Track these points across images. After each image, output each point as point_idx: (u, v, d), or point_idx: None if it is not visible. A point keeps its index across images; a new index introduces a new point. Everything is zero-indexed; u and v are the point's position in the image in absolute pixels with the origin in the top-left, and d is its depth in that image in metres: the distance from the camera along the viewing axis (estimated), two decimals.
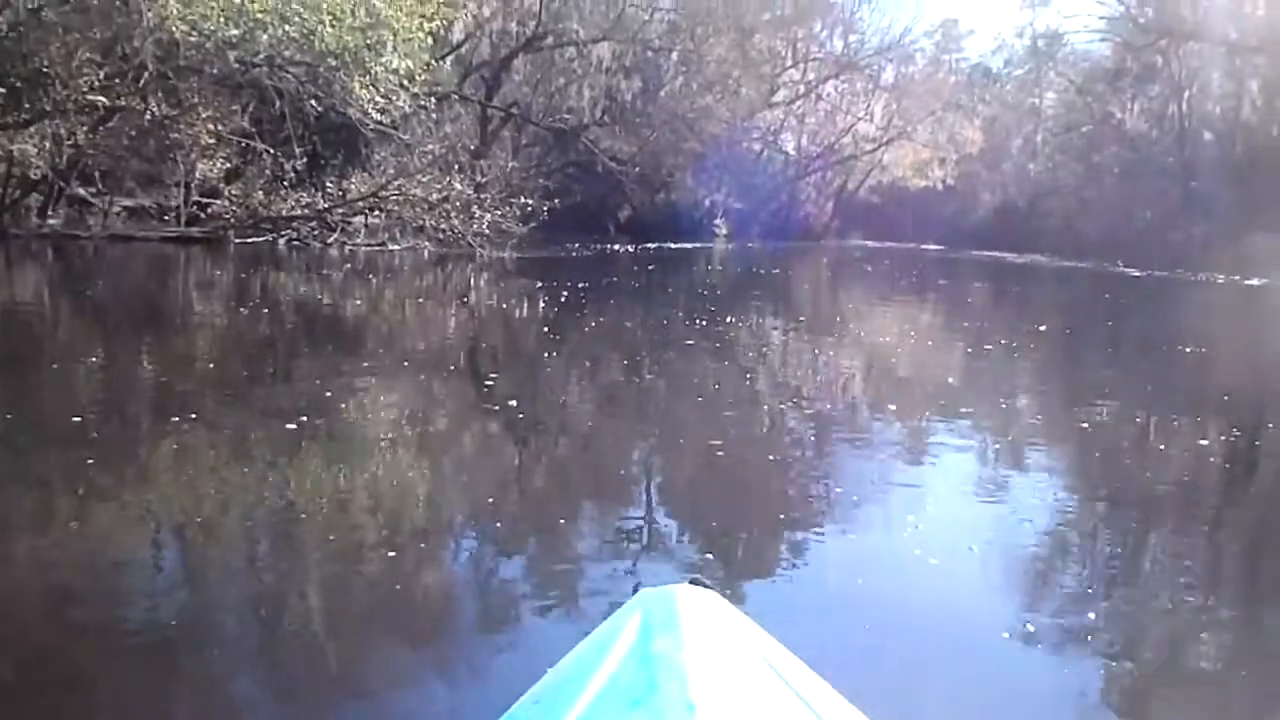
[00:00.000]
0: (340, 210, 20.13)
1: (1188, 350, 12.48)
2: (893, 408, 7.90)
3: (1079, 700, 3.13)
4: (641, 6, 32.82)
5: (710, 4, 36.77)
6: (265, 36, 17.06)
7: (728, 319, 13.33)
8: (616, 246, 28.23)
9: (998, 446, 6.67)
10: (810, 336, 13.00)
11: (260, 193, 20.18)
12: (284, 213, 20.07)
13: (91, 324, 10.78)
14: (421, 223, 19.67)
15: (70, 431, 5.46)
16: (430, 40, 19.37)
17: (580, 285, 16.41)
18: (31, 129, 17.68)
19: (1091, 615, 3.74)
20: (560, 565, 4.07)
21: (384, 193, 20.02)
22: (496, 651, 3.28)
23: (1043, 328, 14.77)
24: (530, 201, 20.95)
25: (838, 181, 50.10)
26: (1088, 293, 24.01)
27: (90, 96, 16.61)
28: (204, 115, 18.64)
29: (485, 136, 29.20)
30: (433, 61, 22.25)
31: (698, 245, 34.12)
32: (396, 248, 19.87)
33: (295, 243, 19.94)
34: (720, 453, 5.78)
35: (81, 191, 19.20)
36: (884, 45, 44.51)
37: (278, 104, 17.79)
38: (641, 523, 4.72)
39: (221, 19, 16.57)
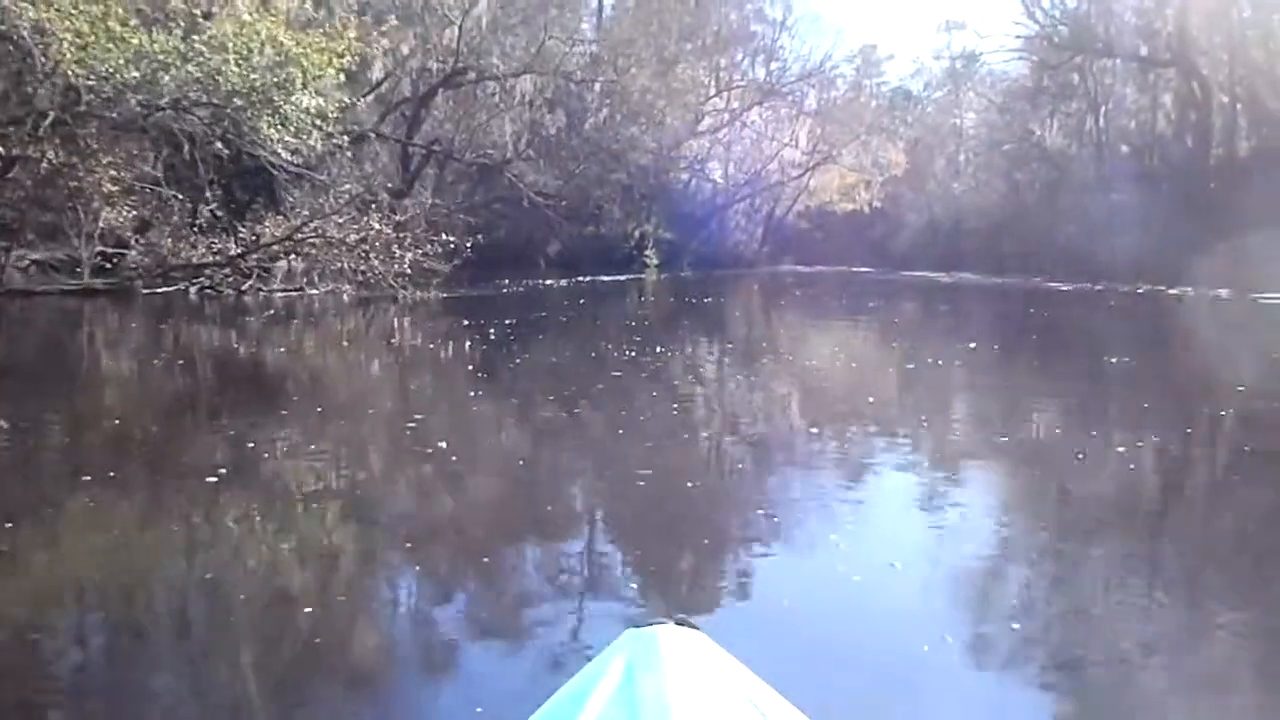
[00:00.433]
0: (254, 255, 19.82)
1: (1113, 361, 12.91)
2: (822, 430, 8.05)
3: (997, 710, 3.24)
4: (562, 39, 33.17)
5: (631, 34, 37.35)
6: (168, 78, 16.82)
7: (658, 349, 13.45)
8: (547, 281, 28.32)
9: (925, 465, 6.82)
10: (741, 363, 13.18)
11: (169, 240, 19.77)
12: (195, 260, 19.67)
13: None
14: (340, 265, 19.49)
15: None
16: (343, 77, 19.25)
17: (508, 322, 16.44)
18: None
19: (1015, 626, 3.88)
20: (498, 606, 4.08)
21: (299, 235, 19.74)
22: (437, 698, 3.28)
23: (972, 345, 15.15)
24: (453, 239, 20.82)
25: (766, 208, 51.00)
26: (1015, 309, 24.70)
27: None
28: (105, 161, 18.26)
29: (407, 175, 29.13)
30: (349, 100, 22.14)
31: (629, 277, 34.37)
32: (315, 292, 19.62)
33: (208, 291, 19.55)
34: (646, 483, 5.83)
35: None
36: (805, 72, 45.62)
37: (186, 148, 17.56)
38: (576, 557, 4.75)
39: (121, 61, 16.28)
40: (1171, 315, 22.77)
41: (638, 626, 1.66)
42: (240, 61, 16.81)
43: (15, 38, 15.84)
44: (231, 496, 5.49)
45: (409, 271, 19.66)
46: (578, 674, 1.62)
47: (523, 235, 34.32)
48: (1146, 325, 20.65)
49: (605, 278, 31.56)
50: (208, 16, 18.50)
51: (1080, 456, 7.06)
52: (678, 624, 1.69)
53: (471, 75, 30.10)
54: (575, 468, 6.74)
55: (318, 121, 17.82)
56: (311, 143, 17.95)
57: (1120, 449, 7.28)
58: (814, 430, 8.04)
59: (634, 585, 4.32)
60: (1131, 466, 6.77)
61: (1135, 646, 3.80)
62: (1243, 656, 3.75)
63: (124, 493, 5.56)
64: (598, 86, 35.27)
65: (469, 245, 21.29)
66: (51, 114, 16.31)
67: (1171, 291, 27.96)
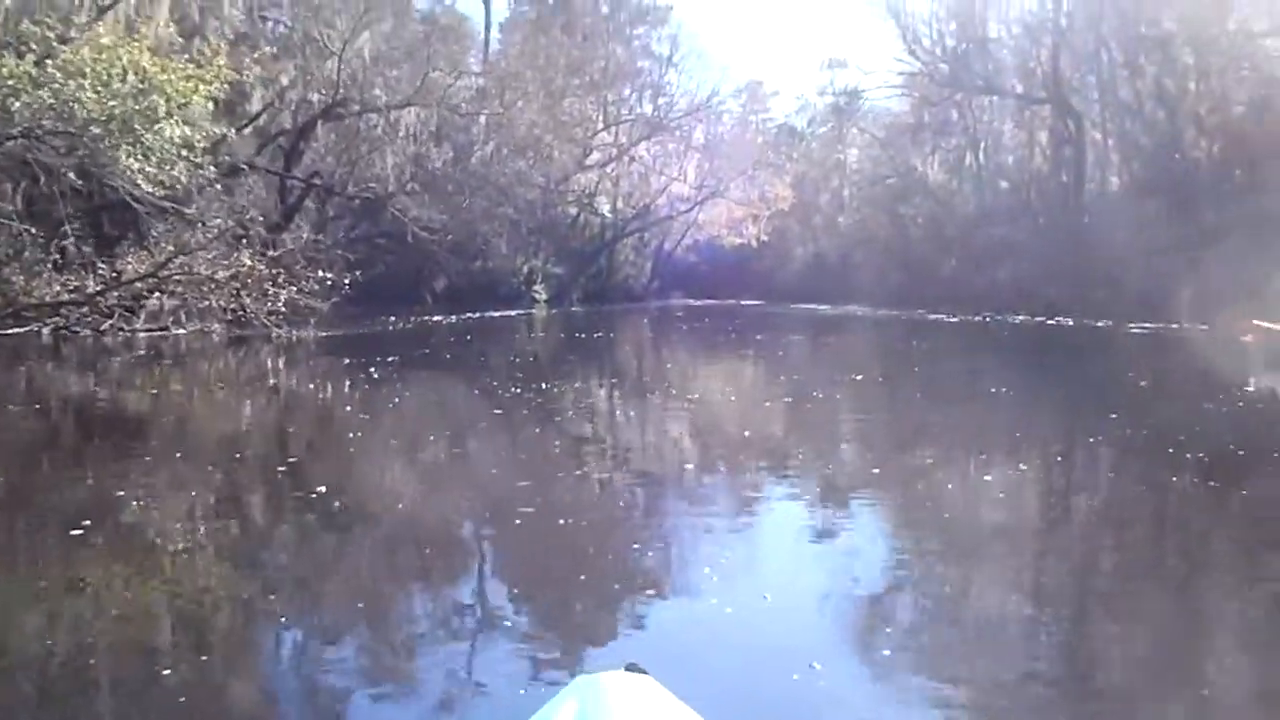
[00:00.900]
0: (116, 293, 18.84)
1: (993, 391, 13.43)
2: (703, 466, 8.19)
3: None
4: (447, 72, 33.11)
5: (518, 68, 37.52)
6: (19, 105, 16.07)
7: (544, 386, 13.42)
8: (434, 317, 28.03)
9: (802, 497, 6.96)
10: (627, 398, 13.26)
11: (21, 278, 18.54)
12: (49, 299, 18.55)
13: None
14: (209, 303, 18.78)
15: None
16: (212, 106, 18.71)
17: (391, 360, 16.18)
18: None
19: (886, 652, 3.99)
20: (385, 652, 4.06)
21: (164, 272, 18.81)
22: None
23: (858, 377, 15.57)
24: (330, 275, 20.31)
25: (655, 242, 51.62)
26: (900, 340, 25.49)
27: None
28: None
29: (286, 209, 28.51)
30: (223, 131, 21.59)
31: (518, 312, 34.31)
32: (183, 331, 18.80)
33: (63, 332, 18.36)
34: (524, 521, 5.88)
35: None
36: (693, 107, 46.51)
37: (42, 179, 16.77)
38: (454, 602, 4.75)
39: None
40: (1050, 345, 23.80)
41: (588, 673, 1.67)
42: (99, 88, 16.12)
43: None
44: (97, 549, 5.27)
45: (283, 310, 19.08)
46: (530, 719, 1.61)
47: (408, 271, 33.95)
48: (1026, 355, 21.55)
49: (493, 313, 31.43)
50: (65, 41, 17.73)
51: (950, 486, 7.32)
52: (628, 670, 1.71)
53: (353, 107, 29.75)
54: (454, 509, 6.68)
55: (184, 152, 17.18)
56: (176, 174, 17.27)
57: (987, 477, 7.59)
58: (696, 466, 8.18)
59: (508, 624, 4.39)
60: (1001, 494, 7.05)
61: (1006, 670, 3.95)
62: (1115, 677, 3.94)
63: None
64: (483, 119, 35.27)
65: (347, 282, 20.72)
66: None
67: (1053, 322, 29.26)
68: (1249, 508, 6.65)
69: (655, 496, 7.16)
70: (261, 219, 22.63)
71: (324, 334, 19.74)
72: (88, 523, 5.55)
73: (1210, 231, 27.47)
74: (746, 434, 9.87)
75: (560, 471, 7.70)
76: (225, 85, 18.71)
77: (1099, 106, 38.12)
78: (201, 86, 17.26)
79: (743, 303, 47.07)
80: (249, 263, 18.74)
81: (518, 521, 5.88)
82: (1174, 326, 25.80)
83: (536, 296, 39.40)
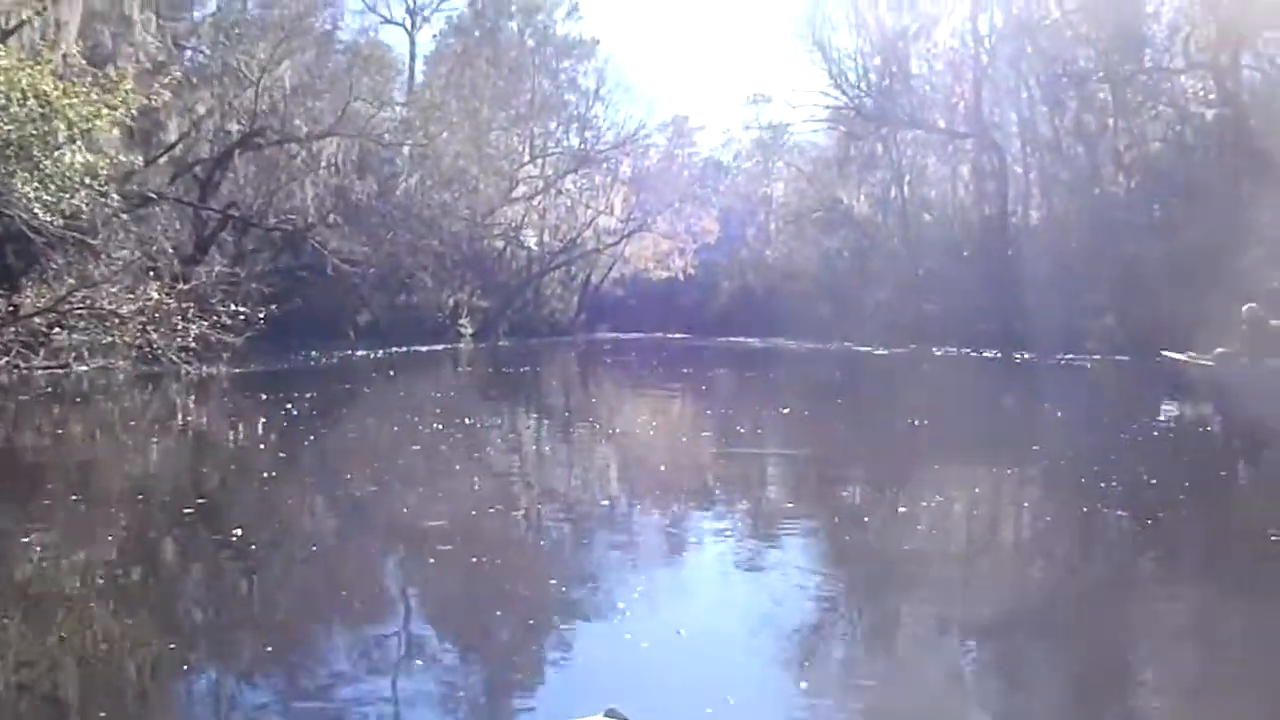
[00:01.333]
0: (12, 328, 17.90)
1: (914, 423, 13.67)
2: (624, 502, 8.23)
3: None
4: (369, 101, 32.91)
5: (443, 98, 37.48)
6: None
7: (467, 421, 13.32)
8: (358, 352, 27.65)
9: (721, 532, 7.01)
10: (550, 433, 13.22)
11: None
12: None
13: None
14: (113, 338, 17.88)
15: None
16: (116, 132, 18.11)
17: (310, 396, 15.90)
18: None
19: (804, 685, 4.03)
20: (306, 693, 4.02)
21: (65, 305, 17.88)
22: None
23: (785, 410, 15.73)
24: (244, 310, 19.78)
25: (582, 275, 51.69)
26: (826, 373, 25.83)
27: None
28: None
29: (201, 241, 27.93)
30: (133, 160, 21.05)
31: (444, 346, 34.05)
32: (86, 368, 17.84)
33: None
34: (440, 560, 5.86)
35: None
36: (619, 140, 46.86)
37: None
38: (377, 639, 4.76)
39: None
40: (974, 378, 24.33)
41: (570, 719, 1.68)
42: None
43: None
44: None
45: (193, 345, 18.41)
46: None
47: (331, 305, 33.39)
48: (949, 388, 21.99)
49: (419, 348, 31.13)
50: None
51: (867, 520, 7.42)
52: (608, 716, 1.70)
53: (272, 137, 29.36)
54: (369, 548, 6.61)
55: (87, 179, 16.60)
56: (77, 203, 16.64)
57: (902, 509, 7.72)
58: (616, 501, 8.21)
59: (419, 663, 4.39)
60: (918, 527, 7.17)
61: (922, 699, 4.01)
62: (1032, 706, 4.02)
63: None
64: (407, 150, 35.10)
65: (261, 316, 20.03)
66: None
67: (976, 354, 29.92)
68: (1159, 536, 6.86)
69: (573, 532, 7.17)
70: (174, 251, 22.02)
71: (241, 370, 19.19)
72: None
73: (1130, 265, 28.43)
74: (667, 470, 9.90)
75: (478, 509, 7.63)
76: (134, 112, 18.05)
77: (1020, 141, 39.33)
78: (106, 111, 16.65)
79: (670, 336, 47.36)
80: (156, 296, 18.09)
81: (432, 560, 5.84)
82: (1096, 358, 26.60)
83: (462, 330, 39.09)
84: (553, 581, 5.56)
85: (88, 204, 16.96)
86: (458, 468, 9.73)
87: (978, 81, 39.40)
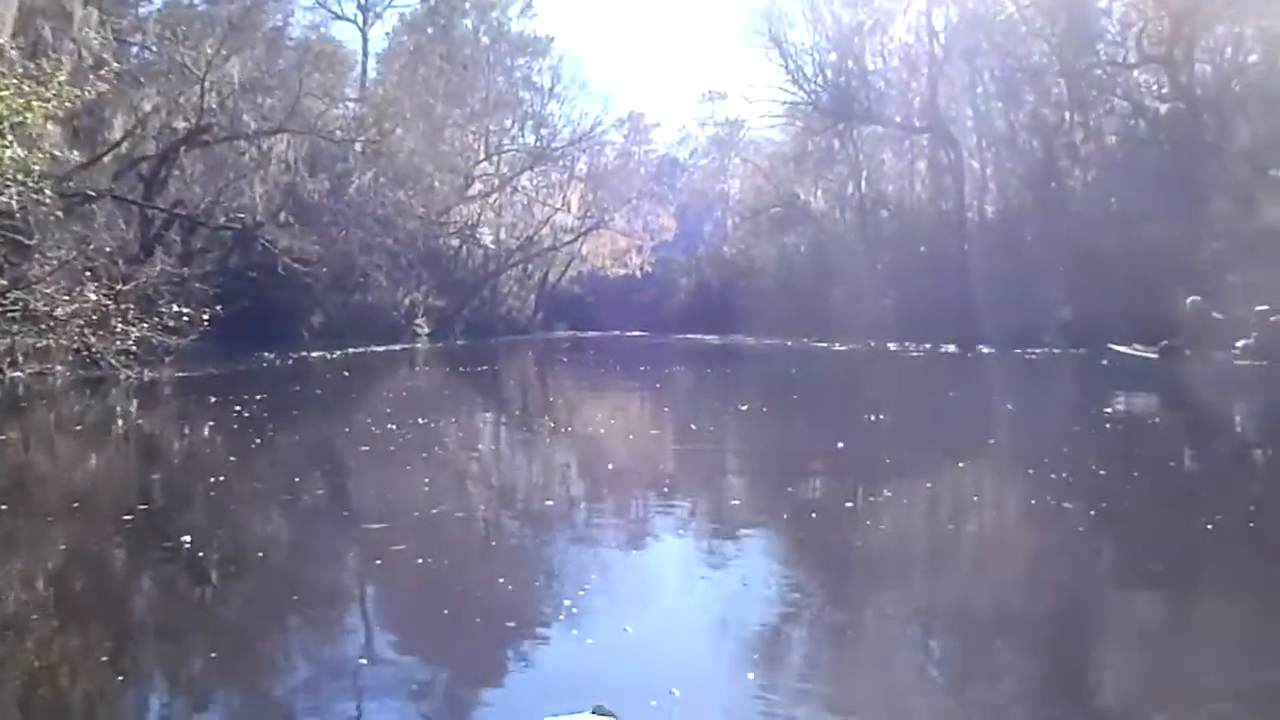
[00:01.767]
0: None
1: (870, 419, 13.81)
2: (578, 500, 8.28)
3: None
4: (320, 97, 32.63)
5: (396, 95, 37.26)
6: None
7: (420, 420, 13.27)
8: (312, 353, 27.39)
9: (672, 529, 7.06)
10: (507, 432, 13.22)
11: None
12: None
13: None
14: (48, 342, 17.16)
15: None
16: (54, 128, 17.60)
17: (260, 399, 15.71)
18: None
19: (751, 676, 4.09)
20: (257, 703, 4.04)
21: None
22: None
23: (744, 407, 15.81)
24: (187, 311, 19.43)
25: (539, 273, 51.66)
26: (784, 370, 25.98)
27: None
28: None
29: (146, 240, 27.51)
30: (70, 155, 20.61)
31: (400, 347, 33.87)
32: (19, 374, 16.90)
33: None
34: (388, 561, 5.86)
35: None
36: (575, 136, 46.89)
37: None
38: (324, 640, 4.80)
39: None
40: (932, 373, 24.59)
41: (555, 715, 1.70)
42: None
43: None
44: None
45: (134, 349, 17.87)
46: None
47: (283, 306, 32.94)
48: (906, 382, 22.22)
49: (375, 348, 30.93)
50: None
51: (815, 515, 7.49)
52: (595, 713, 1.72)
53: (219, 133, 29.01)
54: (317, 552, 6.59)
55: (19, 175, 16.02)
56: (7, 199, 16.17)
57: (857, 505, 7.81)
58: (568, 500, 8.25)
59: (363, 660, 4.41)
60: (868, 521, 7.26)
61: (868, 691, 4.08)
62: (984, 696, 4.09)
63: None
64: (359, 147, 34.79)
65: (206, 317, 19.49)
66: None
67: (946, 349, 30.23)
68: (1102, 523, 7.00)
69: (524, 531, 7.21)
70: (119, 250, 21.47)
71: (190, 373, 18.77)
72: None
73: (1086, 258, 28.89)
74: (621, 468, 9.92)
75: (430, 509, 7.60)
76: (68, 105, 17.44)
77: (975, 136, 39.81)
78: (37, 104, 16.13)
79: (628, 333, 47.48)
80: (94, 297, 17.63)
81: (380, 562, 5.84)
82: (1055, 351, 27.00)
83: (418, 330, 38.88)
84: (501, 580, 5.58)
85: (19, 201, 16.42)
86: (409, 469, 9.68)
87: (933, 77, 39.83)
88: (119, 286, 18.35)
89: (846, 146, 44.45)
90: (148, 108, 27.49)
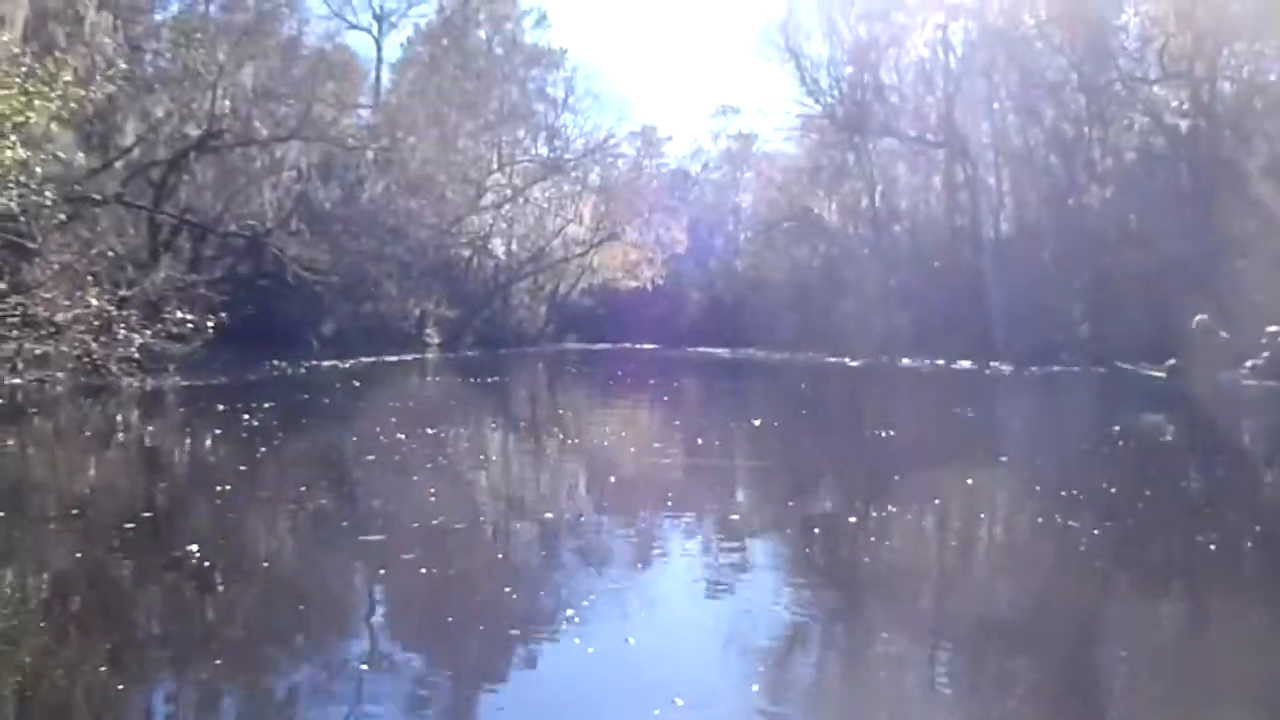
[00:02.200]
0: None
1: (881, 435, 13.82)
2: (583, 510, 8.30)
3: None
4: (332, 104, 32.84)
5: (410, 104, 37.50)
6: None
7: (429, 431, 13.32)
8: (322, 363, 27.44)
9: (677, 542, 7.07)
10: (516, 444, 13.25)
11: None
12: None
13: None
14: (49, 349, 16.84)
15: None
16: (58, 130, 17.52)
17: (268, 408, 15.76)
18: None
19: (755, 688, 4.12)
20: (261, 711, 4.08)
21: None
22: None
23: (756, 422, 15.82)
24: (192, 318, 19.03)
25: (550, 285, 51.76)
26: (795, 385, 25.94)
27: None
28: None
29: (155, 246, 27.70)
30: (80, 160, 20.68)
31: (411, 356, 33.90)
32: (19, 381, 16.60)
33: None
34: (394, 570, 5.90)
35: None
36: (588, 149, 47.04)
37: None
38: (328, 648, 4.84)
39: None
40: (945, 390, 24.49)
41: None
42: None
43: None
44: None
45: (136, 356, 17.61)
46: None
47: (293, 314, 33.08)
48: (918, 399, 22.17)
49: (386, 358, 30.95)
50: None
51: (817, 531, 7.50)
52: None
53: (230, 139, 29.22)
54: (323, 562, 6.63)
55: (21, 177, 15.95)
56: (7, 200, 15.91)
57: (864, 521, 7.82)
58: (575, 512, 8.28)
59: (364, 667, 4.46)
60: (872, 538, 7.27)
61: (872, 702, 4.11)
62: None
63: None
64: (372, 156, 35.00)
65: (210, 324, 19.33)
66: None
67: (949, 365, 30.15)
68: (1113, 543, 7.01)
69: (530, 542, 7.26)
70: (126, 256, 21.51)
71: (197, 382, 18.73)
72: None
73: (1103, 276, 28.83)
74: (628, 481, 9.91)
75: (437, 520, 7.65)
76: (72, 105, 17.18)
77: (992, 152, 39.77)
78: (40, 104, 15.90)
79: (638, 346, 47.46)
80: (95, 303, 17.35)
81: (384, 570, 5.90)
82: (1074, 370, 26.89)
83: (429, 340, 39.00)
84: (505, 590, 5.63)
85: (20, 203, 16.33)
86: (416, 479, 9.73)
87: (950, 91, 39.87)
88: (123, 292, 18.26)
89: (861, 160, 44.43)
90: (160, 113, 27.73)
